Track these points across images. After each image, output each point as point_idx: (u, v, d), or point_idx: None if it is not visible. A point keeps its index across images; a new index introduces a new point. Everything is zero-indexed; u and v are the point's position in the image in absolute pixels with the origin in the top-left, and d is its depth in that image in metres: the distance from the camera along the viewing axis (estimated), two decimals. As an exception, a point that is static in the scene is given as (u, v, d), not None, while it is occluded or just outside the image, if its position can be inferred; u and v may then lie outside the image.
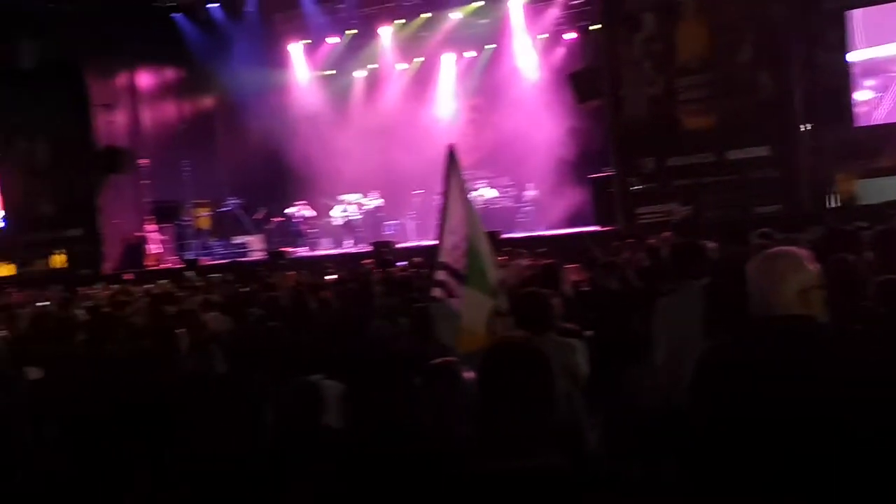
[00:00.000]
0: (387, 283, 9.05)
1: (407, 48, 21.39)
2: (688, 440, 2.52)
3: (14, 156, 21.64)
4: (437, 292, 4.56)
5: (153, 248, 20.10)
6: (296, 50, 21.99)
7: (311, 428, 3.05)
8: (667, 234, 10.74)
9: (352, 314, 5.96)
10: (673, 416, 3.72)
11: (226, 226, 21.68)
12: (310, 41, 21.81)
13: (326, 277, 11.91)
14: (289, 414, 3.06)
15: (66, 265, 21.35)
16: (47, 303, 11.61)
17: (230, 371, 4.18)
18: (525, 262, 10.00)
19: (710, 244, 5.97)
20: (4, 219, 22.61)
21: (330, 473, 2.92)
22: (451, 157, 4.98)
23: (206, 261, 19.29)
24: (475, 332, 4.43)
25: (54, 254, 22.56)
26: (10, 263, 24.09)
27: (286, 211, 20.47)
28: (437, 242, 4.79)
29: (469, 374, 2.52)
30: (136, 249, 20.08)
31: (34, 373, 3.95)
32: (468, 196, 5.04)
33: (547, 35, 20.04)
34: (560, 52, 20.00)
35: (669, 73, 16.09)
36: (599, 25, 17.55)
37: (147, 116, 21.69)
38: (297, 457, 2.95)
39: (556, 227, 17.86)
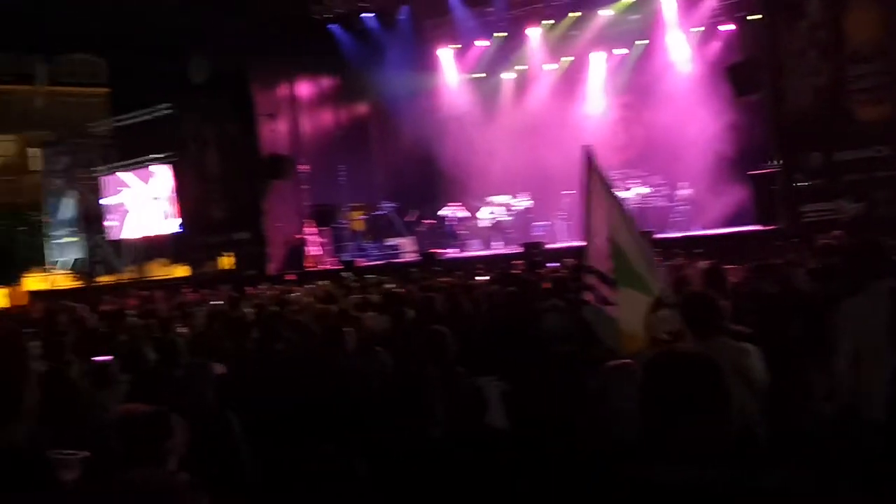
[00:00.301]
0: (541, 284, 9.02)
1: (556, 48, 21.28)
2: (880, 451, 2.36)
3: (188, 164, 23.35)
4: (587, 296, 4.50)
5: (312, 249, 21.01)
6: (445, 54, 22.39)
7: (474, 427, 3.10)
8: (838, 232, 10.10)
9: (514, 315, 5.97)
10: (857, 424, 3.49)
11: (379, 228, 22.34)
12: (459, 45, 22.14)
13: (477, 279, 12.04)
14: (453, 414, 3.12)
15: (233, 266, 22.76)
16: (220, 302, 12.40)
17: (397, 370, 4.30)
18: (680, 263, 9.70)
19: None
20: (181, 224, 24.43)
21: (493, 472, 2.96)
22: (588, 158, 4.90)
23: (362, 262, 19.94)
24: (635, 333, 4.34)
25: (223, 256, 24.13)
26: (185, 265, 26.02)
27: (440, 213, 20.81)
28: (583, 245, 4.73)
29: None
30: (297, 251, 21.07)
31: (217, 368, 4.23)
32: (612, 195, 4.91)
33: (702, 28, 19.35)
34: (715, 44, 19.24)
35: (838, 62, 15.13)
36: (759, 15, 16.80)
37: (306, 124, 22.77)
38: (461, 455, 3.00)
39: (713, 227, 17.19)
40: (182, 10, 20.80)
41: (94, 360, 5.61)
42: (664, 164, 18.66)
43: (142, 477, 2.06)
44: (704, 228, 17.32)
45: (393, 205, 21.85)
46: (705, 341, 3.77)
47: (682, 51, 19.60)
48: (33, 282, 33.51)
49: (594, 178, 4.84)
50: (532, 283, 8.91)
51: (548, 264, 12.59)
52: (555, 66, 21.54)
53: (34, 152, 39.59)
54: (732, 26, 18.82)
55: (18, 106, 43.29)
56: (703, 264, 8.65)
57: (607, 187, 4.90)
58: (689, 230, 17.34)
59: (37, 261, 31.98)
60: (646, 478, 2.11)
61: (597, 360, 3.15)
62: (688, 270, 8.34)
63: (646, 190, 18.55)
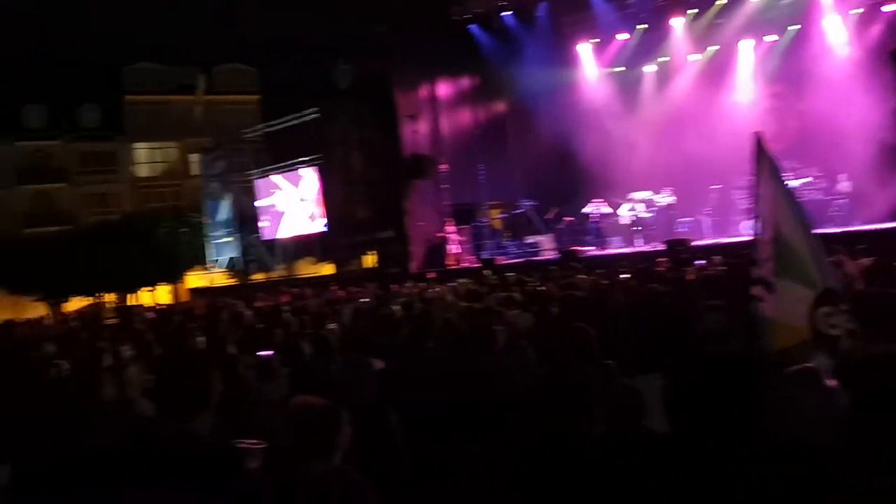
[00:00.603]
0: (693, 282, 8.75)
1: (701, 38, 20.56)
2: None
3: (334, 167, 24.25)
4: (756, 290, 4.31)
5: (453, 248, 21.30)
6: (584, 49, 22.11)
7: (632, 430, 3.06)
8: None
9: (666, 314, 5.83)
10: None
11: (518, 226, 22.37)
12: (598, 40, 21.82)
13: (620, 276, 11.82)
14: (609, 414, 3.09)
15: (377, 265, 23.45)
16: (366, 300, 12.80)
17: (546, 368, 4.31)
18: (840, 259, 9.14)
19: None
20: (327, 224, 25.42)
21: (652, 477, 2.91)
22: (759, 145, 4.67)
23: (502, 260, 20.02)
24: (792, 325, 4.14)
25: (367, 254, 24.92)
26: (331, 263, 27.06)
27: (584, 210, 20.55)
28: (755, 237, 4.52)
29: (832, 383, 2.36)
30: (437, 250, 21.42)
31: (376, 364, 4.37)
32: (781, 183, 4.67)
33: (861, 10, 18.13)
34: (877, 27, 17.99)
35: None
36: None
37: (446, 124, 23.13)
38: (618, 458, 2.98)
39: (877, 222, 16.07)
40: (327, 20, 21.67)
41: (257, 355, 5.93)
42: (820, 155, 17.63)
43: (321, 470, 2.17)
44: (866, 223, 16.22)
45: (532, 203, 21.80)
46: (887, 343, 3.52)
47: (838, 34, 18.45)
48: (194, 279, 35.87)
49: (764, 166, 4.63)
50: (681, 281, 8.65)
51: (695, 262, 12.14)
52: (699, 56, 20.82)
53: (194, 158, 42.38)
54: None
55: (179, 115, 46.46)
56: (865, 261, 8.13)
57: (777, 175, 4.68)
58: (849, 225, 16.30)
59: (197, 260, 34.18)
60: (848, 489, 1.99)
61: (763, 361, 3.03)
62: (849, 267, 7.87)
63: (800, 182, 17.58)
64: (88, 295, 34.85)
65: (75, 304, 33.86)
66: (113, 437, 2.49)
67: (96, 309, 26.99)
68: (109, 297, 34.84)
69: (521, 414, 3.27)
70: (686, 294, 7.35)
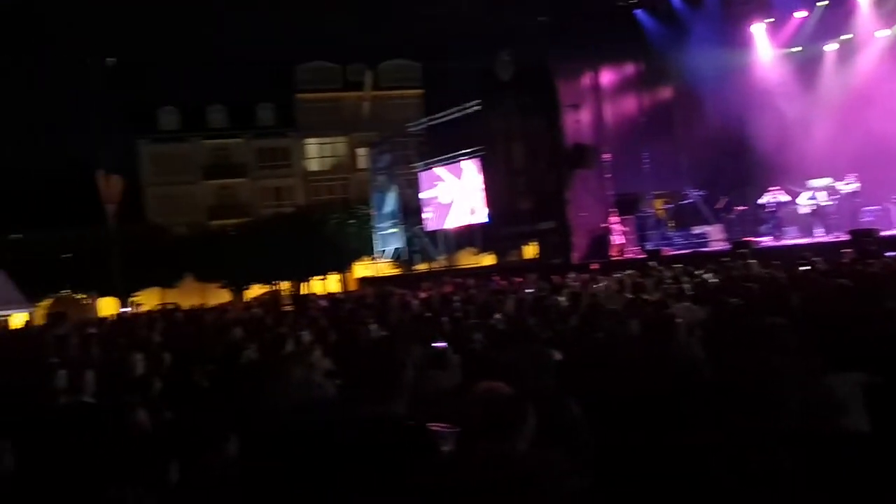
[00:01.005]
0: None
1: (890, 12, 18.98)
2: None
3: (496, 158, 24.46)
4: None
5: (616, 238, 20.94)
6: (758, 30, 21.01)
7: (829, 428, 2.92)
8: None
9: (862, 310, 5.46)
10: None
11: (684, 216, 21.65)
12: (773, 19, 20.66)
13: (800, 268, 11.20)
14: (805, 411, 2.96)
15: (538, 255, 23.45)
16: (530, 290, 12.85)
17: (727, 362, 4.17)
18: None
19: None
20: (488, 214, 25.71)
21: (850, 478, 2.78)
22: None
23: (667, 251, 19.46)
24: None
25: (528, 245, 24.98)
26: (492, 254, 27.37)
27: (760, 200, 19.51)
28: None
29: None
30: (600, 240, 21.13)
31: (555, 354, 4.40)
32: None
33: None
34: None
35: None
36: None
37: (609, 112, 22.73)
38: (815, 456, 2.85)
39: None
40: (487, 12, 21.85)
41: (431, 345, 6.10)
42: None
43: (519, 455, 2.22)
44: None
45: (700, 192, 21.03)
46: None
47: None
48: (361, 269, 37.38)
49: None
50: (870, 275, 8.08)
51: (886, 254, 11.29)
52: (888, 32, 19.23)
53: (361, 152, 44.09)
54: None
55: (348, 111, 48.43)
56: None
57: None
58: None
59: (365, 250, 35.60)
60: None
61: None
62: None
63: None
64: (266, 283, 37.19)
65: (254, 291, 36.23)
66: (320, 416, 2.68)
67: (274, 296, 28.73)
68: (284, 285, 36.98)
69: (707, 407, 3.20)
70: (876, 289, 6.84)
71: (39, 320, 25.36)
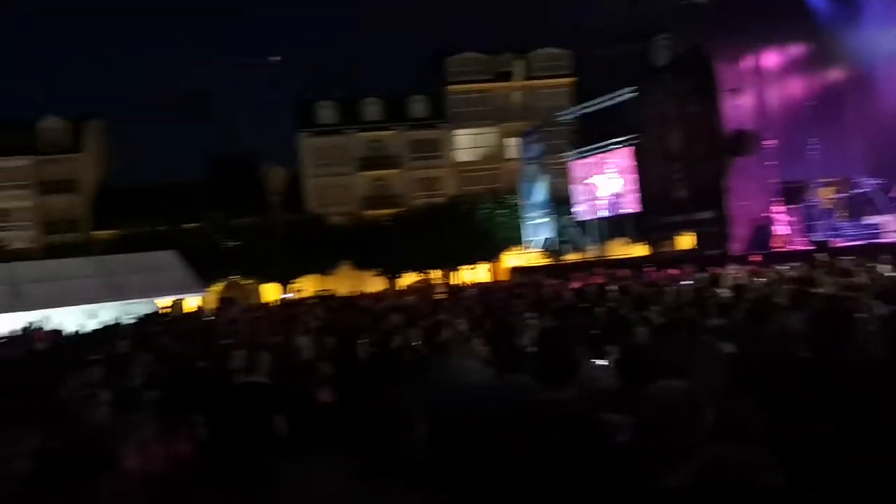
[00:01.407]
0: None
1: None
2: None
3: (650, 145, 23.85)
4: None
5: (780, 229, 19.93)
6: (943, 3, 19.33)
7: None
8: None
9: None
10: None
11: (856, 205, 20.27)
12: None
13: None
14: None
15: (694, 246, 22.71)
16: (689, 282, 12.46)
17: None
18: None
19: None
20: (642, 203, 25.14)
21: None
22: None
23: (836, 242, 18.33)
24: None
25: (682, 235, 24.23)
26: (644, 244, 26.74)
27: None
28: None
29: None
30: (762, 231, 20.18)
31: (727, 347, 4.31)
32: None
33: None
34: None
35: None
36: None
37: (772, 96, 21.61)
38: None
39: None
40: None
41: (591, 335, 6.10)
42: None
43: (719, 451, 2.20)
44: None
45: (876, 181, 19.62)
46: None
47: None
48: (510, 258, 37.54)
49: None
50: None
51: None
52: None
53: (510, 142, 44.17)
54: None
55: (497, 101, 48.62)
56: None
57: None
58: None
59: (514, 240, 35.75)
60: None
61: None
62: None
63: None
64: (418, 271, 38.16)
65: (406, 279, 37.26)
66: (497, 400, 2.78)
67: (427, 284, 29.43)
68: (435, 274, 37.78)
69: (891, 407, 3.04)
70: None
71: (211, 304, 27.24)
